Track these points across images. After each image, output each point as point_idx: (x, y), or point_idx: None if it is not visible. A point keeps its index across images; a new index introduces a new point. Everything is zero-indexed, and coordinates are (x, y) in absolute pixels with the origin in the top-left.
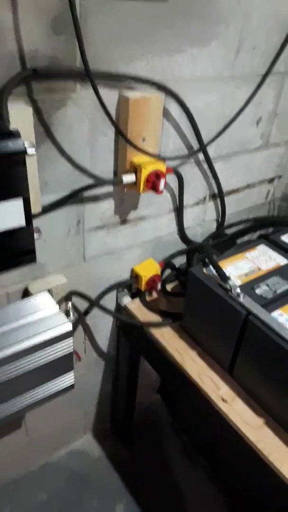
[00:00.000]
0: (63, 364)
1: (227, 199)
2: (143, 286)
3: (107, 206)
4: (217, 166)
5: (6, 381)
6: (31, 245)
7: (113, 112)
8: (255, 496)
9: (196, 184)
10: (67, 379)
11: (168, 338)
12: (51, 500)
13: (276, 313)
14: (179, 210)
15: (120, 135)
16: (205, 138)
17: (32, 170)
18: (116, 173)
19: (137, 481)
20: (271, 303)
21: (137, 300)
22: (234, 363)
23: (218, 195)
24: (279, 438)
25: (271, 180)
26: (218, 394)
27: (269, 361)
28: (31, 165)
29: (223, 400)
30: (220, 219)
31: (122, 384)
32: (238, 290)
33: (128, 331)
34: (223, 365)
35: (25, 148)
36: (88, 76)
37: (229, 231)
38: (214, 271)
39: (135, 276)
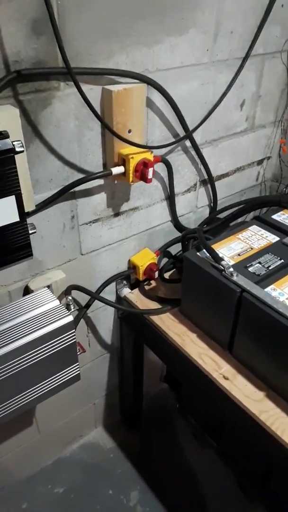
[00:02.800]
0: (68, 356)
1: (218, 184)
2: (140, 276)
3: (100, 200)
4: (205, 152)
5: (13, 374)
6: (26, 239)
7: (97, 107)
8: (263, 467)
9: (185, 171)
10: (73, 370)
11: (169, 323)
12: (67, 493)
13: (269, 288)
14: (170, 198)
15: (106, 128)
16: (191, 124)
17: (23, 169)
18: (105, 166)
19: (149, 467)
20: (264, 279)
21: (136, 290)
22: (233, 341)
23: (209, 181)
24: (281, 409)
25: (260, 162)
26: (219, 372)
27: (265, 335)
28: (22, 164)
29: (225, 377)
30: (212, 204)
31: (128, 374)
32: (231, 269)
33: (130, 321)
34: (222, 344)
35: (14, 147)
36: (69, 74)
37: (222, 216)
38: (207, 254)
39: (132, 267)
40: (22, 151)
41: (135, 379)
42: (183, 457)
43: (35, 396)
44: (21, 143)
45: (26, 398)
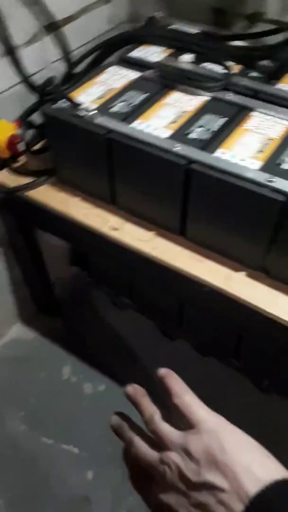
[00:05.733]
0: None
1: (66, 30)
2: (5, 152)
3: None
4: None
5: None
6: None
7: None
8: (175, 306)
9: (19, 14)
10: None
11: (48, 195)
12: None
13: (135, 123)
14: (10, 52)
15: None
16: None
17: None
18: None
19: (76, 344)
20: (130, 116)
21: (4, 171)
22: (114, 190)
23: (53, 26)
24: (171, 242)
25: None
26: (107, 226)
27: (139, 169)
28: None
29: (114, 229)
30: (66, 57)
31: (27, 264)
32: (94, 112)
33: (10, 206)
34: (105, 199)
35: None
36: None
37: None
38: (65, 104)
39: None
40: None
41: (37, 267)
42: (105, 324)
43: None
44: None
45: None
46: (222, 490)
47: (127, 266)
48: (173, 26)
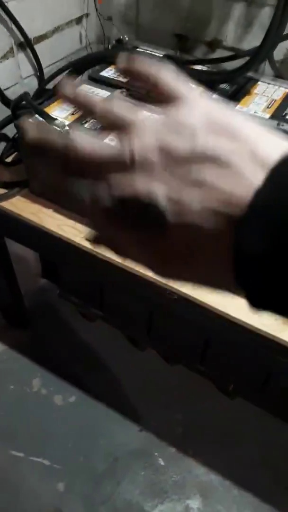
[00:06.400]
0: None
1: (38, 48)
2: None
3: None
4: (12, 7)
5: None
6: None
7: None
8: (144, 316)
9: None
10: None
11: (21, 206)
12: None
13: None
14: None
15: None
16: None
17: None
18: None
19: (45, 356)
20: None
21: None
22: None
23: (26, 44)
24: None
25: (79, 20)
26: (80, 237)
27: None
28: None
29: (86, 239)
30: (39, 73)
31: None
32: (67, 128)
33: None
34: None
35: None
36: None
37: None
38: (40, 118)
39: None
40: None
41: (7, 280)
42: (75, 336)
43: None
44: None
45: None
46: (231, 152)
47: (98, 277)
48: (140, 49)
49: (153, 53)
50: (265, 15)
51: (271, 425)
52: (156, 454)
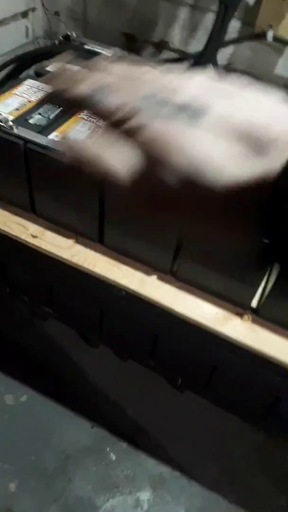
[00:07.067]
0: None
1: None
2: None
3: None
4: None
5: None
6: None
7: None
8: (96, 312)
9: None
10: None
11: None
12: None
13: (52, 135)
14: None
15: None
16: None
17: None
18: None
19: None
20: (47, 128)
21: None
22: (33, 200)
23: None
24: (89, 248)
25: (25, 14)
26: (27, 233)
27: (57, 183)
28: None
29: (33, 236)
30: None
31: None
32: (11, 123)
33: None
34: (24, 207)
35: None
36: None
37: None
38: None
39: None
40: None
41: None
42: (27, 334)
43: None
44: None
45: None
46: None
47: (47, 274)
48: (87, 46)
49: (100, 51)
50: (209, 20)
51: (219, 419)
52: (107, 449)
